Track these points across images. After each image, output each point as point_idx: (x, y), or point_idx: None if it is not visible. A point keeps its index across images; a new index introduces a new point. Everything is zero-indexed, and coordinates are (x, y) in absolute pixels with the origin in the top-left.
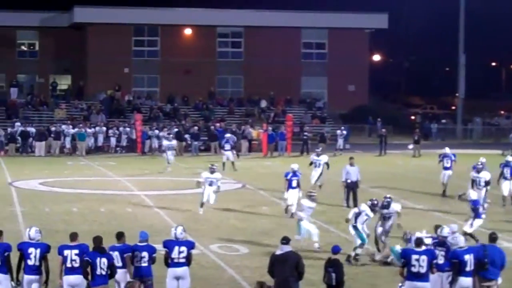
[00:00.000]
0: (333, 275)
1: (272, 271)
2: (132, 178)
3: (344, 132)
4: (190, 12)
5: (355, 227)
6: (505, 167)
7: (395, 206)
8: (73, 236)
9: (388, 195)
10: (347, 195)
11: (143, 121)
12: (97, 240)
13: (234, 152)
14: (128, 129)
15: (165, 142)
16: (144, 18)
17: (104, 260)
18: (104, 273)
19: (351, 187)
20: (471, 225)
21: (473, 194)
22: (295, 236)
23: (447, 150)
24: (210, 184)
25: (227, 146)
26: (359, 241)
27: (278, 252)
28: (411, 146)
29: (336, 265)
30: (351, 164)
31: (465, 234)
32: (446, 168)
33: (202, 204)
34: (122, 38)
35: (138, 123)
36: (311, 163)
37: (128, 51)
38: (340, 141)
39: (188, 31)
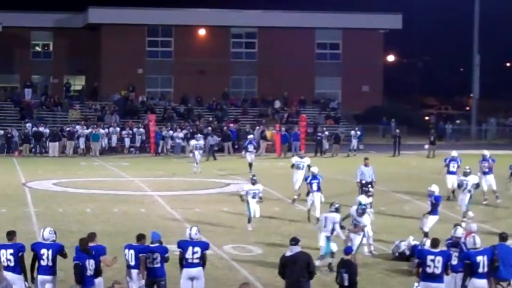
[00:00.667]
0: (345, 275)
1: (282, 272)
2: (146, 179)
3: (358, 132)
4: (204, 12)
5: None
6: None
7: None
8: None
9: (364, 203)
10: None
11: (156, 122)
12: (84, 241)
13: (257, 153)
14: (142, 129)
15: (192, 142)
16: (158, 18)
17: (92, 261)
18: (92, 273)
19: (367, 187)
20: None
21: (435, 188)
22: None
23: (454, 153)
24: (253, 197)
25: (251, 148)
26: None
27: (288, 253)
28: (426, 146)
29: (348, 265)
30: (366, 165)
31: (425, 235)
32: (451, 173)
33: (249, 220)
34: (136, 39)
35: (152, 123)
36: (293, 166)
37: (142, 52)
38: (354, 142)
39: (202, 32)
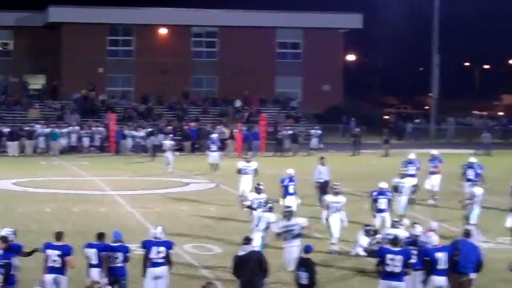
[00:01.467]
0: (304, 274)
1: (237, 272)
2: (106, 178)
3: (319, 131)
4: (165, 11)
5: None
6: (468, 168)
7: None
8: (58, 236)
9: (290, 207)
10: (320, 194)
11: (117, 121)
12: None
13: (221, 153)
14: (101, 128)
15: (166, 142)
16: (118, 17)
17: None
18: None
19: (324, 187)
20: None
21: (384, 185)
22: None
23: (411, 155)
24: (259, 206)
25: (214, 147)
26: None
27: (241, 252)
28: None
29: (307, 264)
30: (322, 164)
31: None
32: (410, 176)
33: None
34: (96, 38)
35: (112, 122)
36: (239, 171)
37: (103, 51)
38: (314, 141)
39: (163, 31)
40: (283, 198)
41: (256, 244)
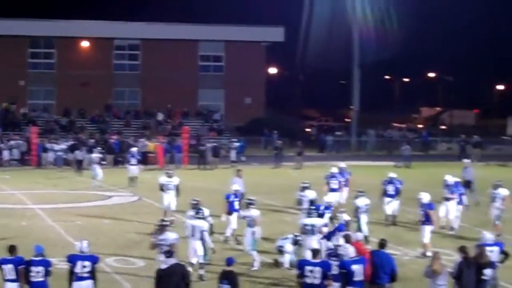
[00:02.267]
0: (228, 286)
1: (159, 286)
2: (27, 192)
3: (236, 144)
4: (87, 24)
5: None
6: (389, 184)
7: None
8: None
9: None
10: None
11: (38, 134)
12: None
13: (141, 167)
14: (20, 141)
15: (94, 155)
16: (40, 30)
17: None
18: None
19: (242, 198)
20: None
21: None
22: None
23: (333, 169)
24: (249, 225)
25: (133, 161)
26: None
27: (164, 266)
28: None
29: (230, 277)
30: (239, 176)
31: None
32: (333, 190)
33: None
34: (17, 50)
35: (34, 136)
36: (162, 187)
37: (24, 64)
38: (233, 154)
39: (85, 44)
40: (227, 214)
41: (200, 253)
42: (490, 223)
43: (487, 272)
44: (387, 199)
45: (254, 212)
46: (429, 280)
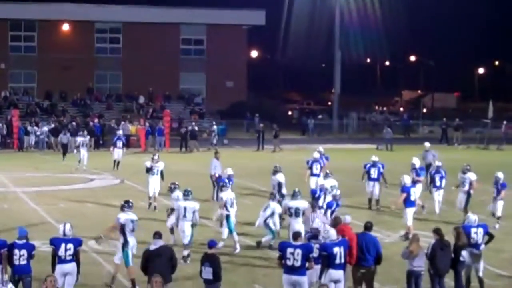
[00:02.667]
0: (209, 269)
1: (146, 266)
2: (9, 175)
3: (215, 127)
4: (68, 7)
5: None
6: (372, 167)
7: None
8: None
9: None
10: (215, 188)
11: (20, 117)
12: None
13: (125, 150)
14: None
15: (79, 139)
16: (20, 13)
17: None
18: None
19: (220, 180)
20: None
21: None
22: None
23: (315, 154)
24: (232, 205)
25: (119, 144)
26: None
27: (152, 247)
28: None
29: (212, 260)
30: (217, 158)
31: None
32: (314, 175)
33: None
34: None
35: (15, 119)
36: (148, 170)
37: (5, 47)
38: (213, 136)
39: (65, 27)
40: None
41: (187, 234)
42: (455, 206)
43: (464, 253)
44: (371, 183)
45: (230, 195)
46: (407, 262)
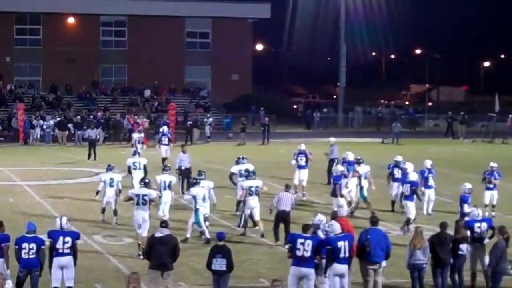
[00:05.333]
0: (223, 260)
1: (149, 252)
2: (14, 168)
3: (210, 119)
4: (73, 0)
5: None
6: (395, 167)
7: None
8: None
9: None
10: (181, 182)
11: (25, 111)
12: None
13: (171, 145)
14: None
15: (135, 135)
16: (26, 6)
17: None
18: None
19: (186, 174)
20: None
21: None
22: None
23: (302, 146)
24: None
25: (165, 140)
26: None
27: (158, 234)
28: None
29: (224, 251)
30: (184, 152)
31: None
32: (300, 167)
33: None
34: (3, 26)
35: (20, 112)
36: (129, 169)
37: (10, 40)
38: (207, 129)
39: (71, 20)
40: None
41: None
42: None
43: (463, 247)
44: (395, 184)
45: (199, 191)
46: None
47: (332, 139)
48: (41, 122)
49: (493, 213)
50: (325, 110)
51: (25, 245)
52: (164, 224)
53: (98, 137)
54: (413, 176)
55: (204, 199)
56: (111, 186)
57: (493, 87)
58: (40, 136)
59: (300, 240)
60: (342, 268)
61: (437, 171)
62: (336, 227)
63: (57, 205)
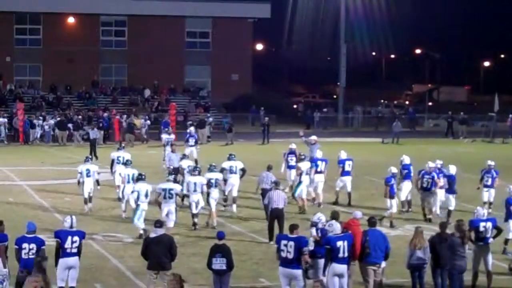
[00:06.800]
0: (223, 259)
1: (145, 253)
2: (14, 168)
3: (210, 119)
4: (73, 0)
5: None
6: (404, 169)
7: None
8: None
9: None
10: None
11: (25, 111)
12: None
13: (198, 147)
14: (1, 119)
15: (164, 136)
16: (26, 6)
17: None
18: None
19: (176, 173)
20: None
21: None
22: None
23: (292, 145)
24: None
25: (192, 141)
26: None
27: (152, 234)
28: (301, 133)
29: (224, 250)
30: (173, 151)
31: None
32: (290, 167)
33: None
34: (3, 26)
35: (21, 112)
36: (112, 162)
37: (10, 40)
38: (207, 129)
39: (71, 20)
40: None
41: (202, 204)
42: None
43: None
44: (405, 183)
45: (142, 187)
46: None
47: (314, 137)
48: (41, 122)
49: (489, 210)
50: (325, 110)
51: (25, 245)
52: (158, 224)
53: (97, 136)
54: (452, 170)
55: (146, 195)
56: (88, 176)
57: (493, 87)
58: (40, 136)
59: (283, 242)
60: (341, 268)
61: None
62: (336, 227)
63: (57, 204)
